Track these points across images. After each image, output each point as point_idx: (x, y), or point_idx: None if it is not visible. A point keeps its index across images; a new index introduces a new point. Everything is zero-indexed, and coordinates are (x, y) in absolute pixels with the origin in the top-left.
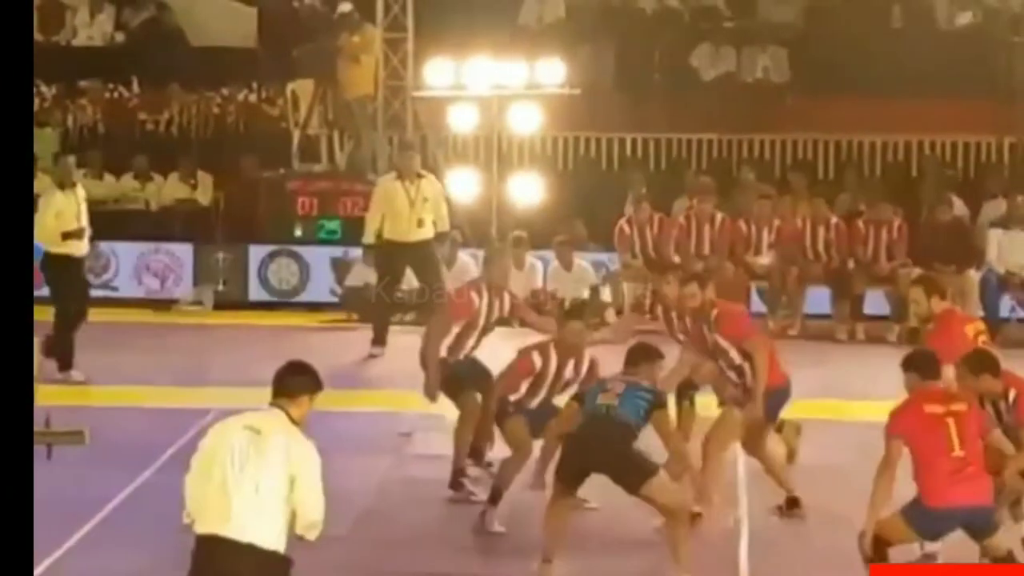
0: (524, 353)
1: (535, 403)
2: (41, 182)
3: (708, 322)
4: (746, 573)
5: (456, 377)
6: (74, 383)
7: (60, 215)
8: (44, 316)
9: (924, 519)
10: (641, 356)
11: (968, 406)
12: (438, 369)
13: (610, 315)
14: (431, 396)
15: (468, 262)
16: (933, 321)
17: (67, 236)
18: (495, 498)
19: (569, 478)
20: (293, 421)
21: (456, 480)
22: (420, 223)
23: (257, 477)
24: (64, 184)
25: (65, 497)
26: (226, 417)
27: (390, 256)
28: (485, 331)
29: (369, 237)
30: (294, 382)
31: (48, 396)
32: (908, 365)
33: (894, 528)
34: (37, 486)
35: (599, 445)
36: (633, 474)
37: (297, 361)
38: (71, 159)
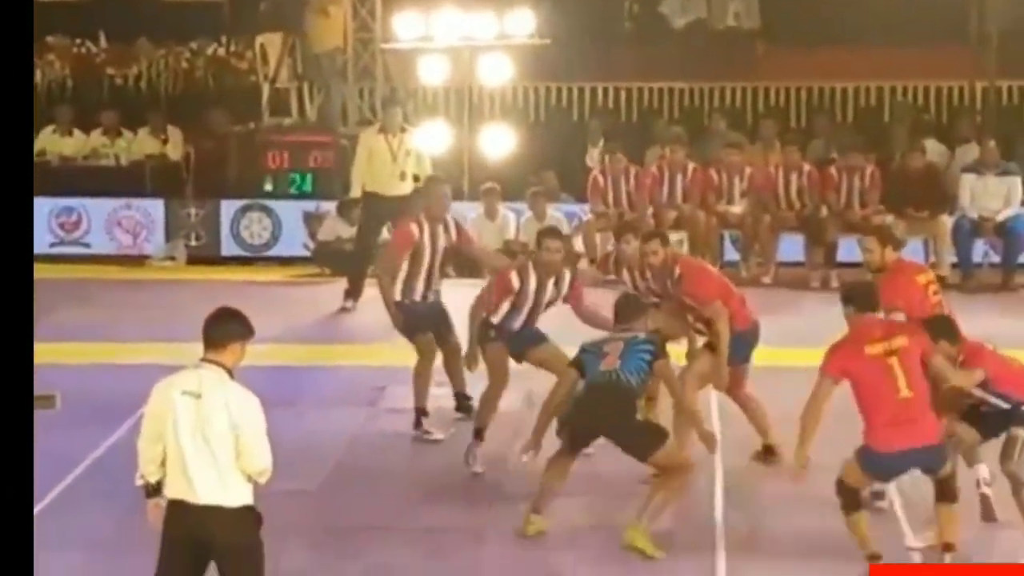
0: (502, 272)
1: (517, 324)
2: None
3: (672, 278)
4: (720, 518)
5: (413, 318)
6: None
7: None
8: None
9: (874, 464)
10: (632, 310)
11: (909, 337)
12: (395, 303)
13: (582, 264)
14: (398, 329)
15: None
16: (884, 270)
17: None
18: (479, 433)
19: (577, 441)
20: (228, 372)
21: (418, 420)
22: (402, 176)
23: (208, 442)
24: None
25: (37, 457)
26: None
27: (370, 209)
28: (434, 263)
29: (356, 190)
30: (223, 331)
31: None
32: (846, 299)
33: (851, 472)
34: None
35: (607, 413)
36: (646, 444)
37: (225, 308)
38: None
